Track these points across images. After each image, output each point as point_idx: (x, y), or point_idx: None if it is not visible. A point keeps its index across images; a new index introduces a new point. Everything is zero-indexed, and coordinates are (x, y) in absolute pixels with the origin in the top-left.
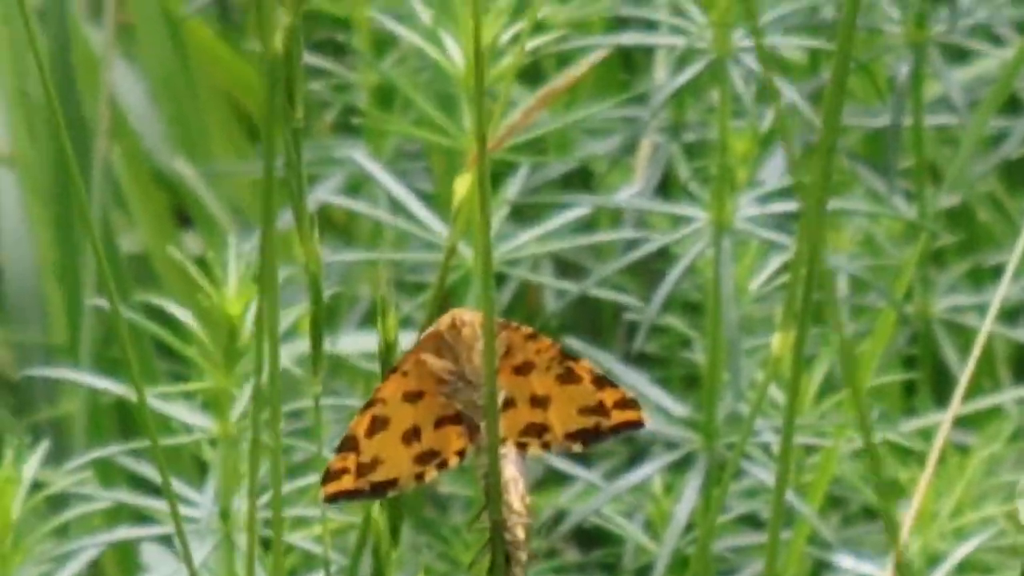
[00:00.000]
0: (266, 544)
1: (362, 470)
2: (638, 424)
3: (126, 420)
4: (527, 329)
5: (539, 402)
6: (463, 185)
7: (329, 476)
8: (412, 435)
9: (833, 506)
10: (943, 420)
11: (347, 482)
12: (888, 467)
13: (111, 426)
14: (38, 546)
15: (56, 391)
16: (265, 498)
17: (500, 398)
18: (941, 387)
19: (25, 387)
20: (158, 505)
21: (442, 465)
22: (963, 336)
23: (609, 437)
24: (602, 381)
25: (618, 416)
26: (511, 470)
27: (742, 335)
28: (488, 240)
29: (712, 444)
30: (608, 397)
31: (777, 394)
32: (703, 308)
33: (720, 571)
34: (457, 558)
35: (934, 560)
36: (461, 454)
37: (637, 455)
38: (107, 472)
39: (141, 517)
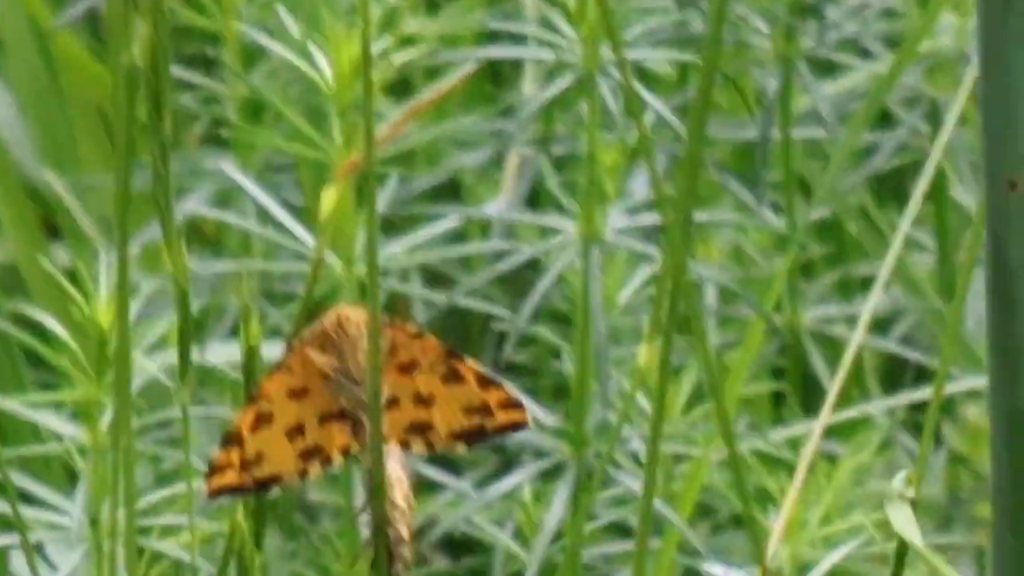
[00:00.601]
0: (138, 552)
1: (246, 465)
2: (522, 424)
3: None
4: (412, 328)
5: (423, 401)
6: (331, 197)
7: (213, 470)
8: (296, 431)
9: (703, 515)
10: (812, 429)
11: (231, 477)
12: (757, 476)
13: None
14: None
15: None
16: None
17: (384, 396)
18: (809, 398)
19: None
20: (28, 513)
21: (326, 461)
22: (832, 347)
23: (493, 437)
24: (486, 381)
25: (502, 416)
26: (395, 468)
27: (610, 345)
28: (375, 236)
29: (581, 453)
30: (492, 397)
31: (645, 403)
32: (572, 319)
33: None
34: (327, 565)
35: (804, 568)
36: (345, 451)
37: (507, 464)
38: None
39: (10, 526)
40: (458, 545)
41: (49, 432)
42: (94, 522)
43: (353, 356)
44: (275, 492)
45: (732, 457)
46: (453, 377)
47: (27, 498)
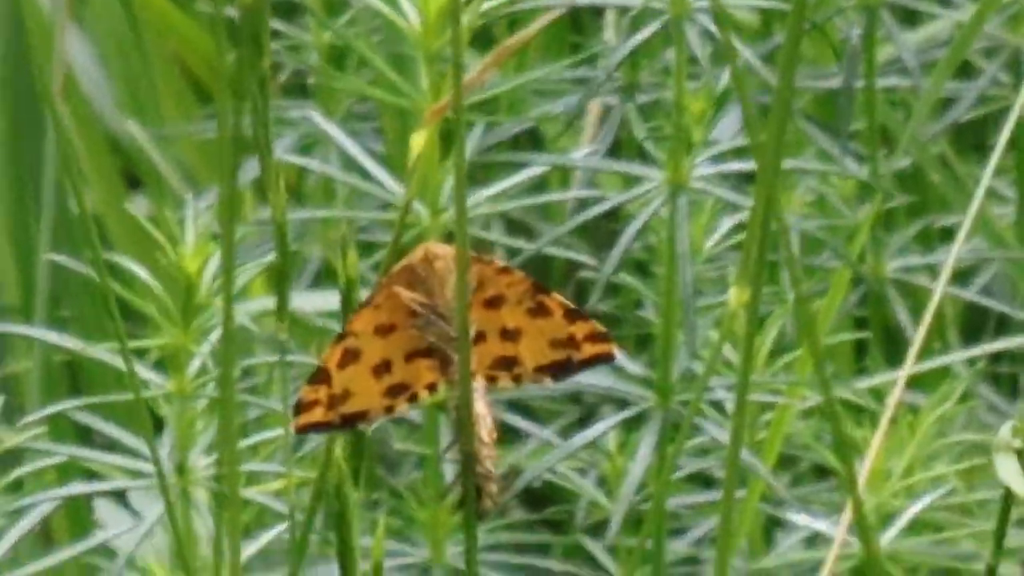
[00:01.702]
0: (220, 499)
1: (333, 402)
2: (609, 357)
3: (78, 379)
4: (499, 262)
5: (510, 335)
6: (419, 142)
7: (300, 408)
8: (383, 368)
9: (786, 464)
10: (894, 379)
11: (318, 414)
12: (840, 426)
13: (64, 384)
14: None
15: (7, 350)
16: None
17: (471, 331)
18: (891, 347)
19: None
20: (112, 461)
21: (413, 398)
22: (913, 297)
23: (580, 370)
24: (573, 314)
25: (589, 349)
26: (480, 406)
27: (696, 294)
28: (463, 174)
29: (667, 402)
30: (579, 330)
31: (731, 353)
32: (654, 268)
33: (673, 528)
34: (411, 514)
35: (886, 518)
36: (432, 387)
37: (590, 413)
38: (60, 430)
39: (94, 474)
40: (541, 495)
41: (134, 381)
42: (180, 470)
43: (440, 292)
44: (361, 429)
45: (827, 404)
46: (540, 311)
47: (112, 446)
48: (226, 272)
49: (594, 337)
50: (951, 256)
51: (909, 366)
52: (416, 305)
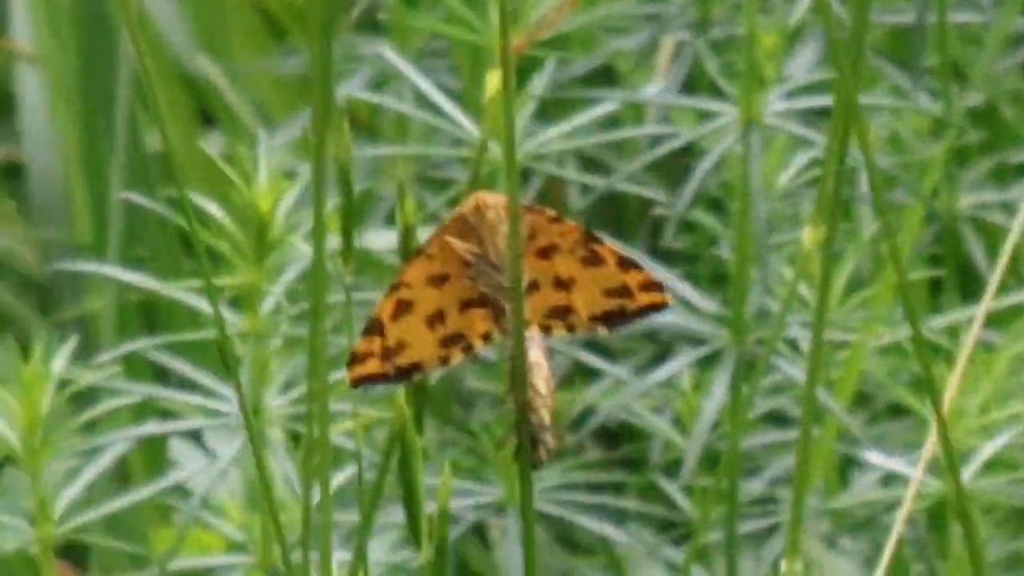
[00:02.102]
0: (296, 439)
1: (387, 354)
2: (663, 306)
3: (152, 318)
4: (551, 212)
5: (563, 284)
6: (493, 81)
7: (354, 360)
8: (437, 318)
9: (860, 403)
10: (969, 317)
11: (372, 366)
12: (915, 365)
13: (138, 324)
14: (66, 441)
15: (82, 289)
16: (295, 393)
17: (524, 281)
18: (967, 284)
19: (51, 286)
20: (187, 399)
21: (467, 348)
22: (988, 234)
23: (634, 319)
24: (627, 263)
25: (643, 298)
26: (535, 354)
27: (770, 231)
28: (513, 125)
29: (741, 340)
30: (632, 279)
31: (806, 290)
32: (728, 205)
33: (747, 468)
34: (485, 453)
35: (962, 457)
36: (486, 337)
37: (664, 351)
38: (135, 369)
39: (169, 414)
40: (613, 436)
41: (207, 318)
42: (255, 410)
43: (492, 241)
44: (417, 379)
45: (915, 338)
46: (593, 260)
47: (187, 385)
48: (317, 209)
49: (647, 286)
50: None
51: (985, 304)
52: (469, 255)
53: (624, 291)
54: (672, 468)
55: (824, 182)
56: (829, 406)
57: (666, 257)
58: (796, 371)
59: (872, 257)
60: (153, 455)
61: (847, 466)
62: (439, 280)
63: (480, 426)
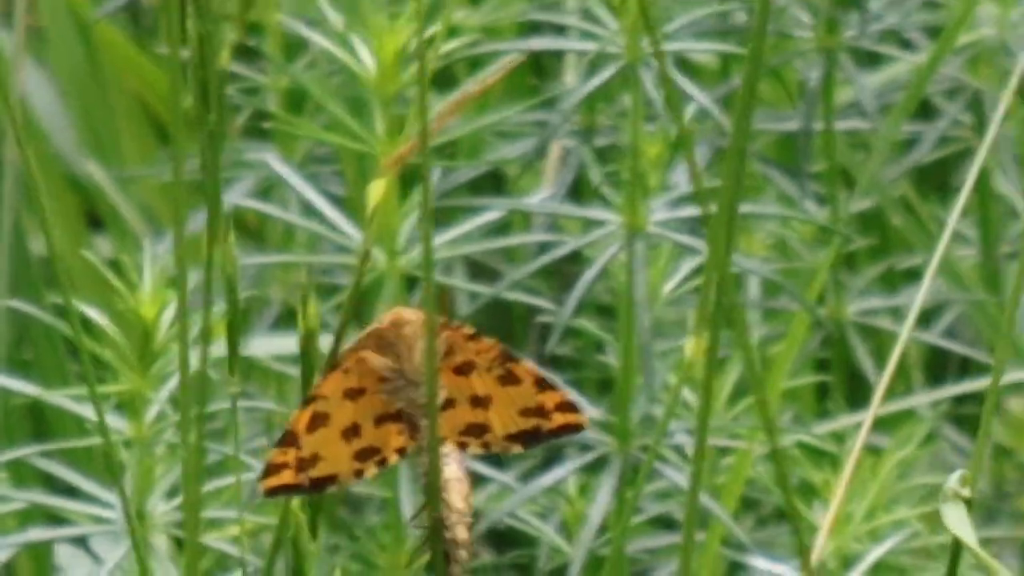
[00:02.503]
0: (180, 545)
1: (302, 465)
2: (579, 427)
3: (39, 423)
4: (468, 329)
5: (480, 402)
6: (378, 189)
7: (269, 470)
8: (352, 432)
9: (747, 508)
10: (856, 422)
11: (287, 477)
12: (801, 469)
13: (23, 429)
14: None
15: None
16: (178, 500)
17: (441, 397)
18: (854, 390)
19: None
20: (72, 506)
21: (382, 462)
22: (875, 339)
23: (550, 439)
24: (543, 383)
25: (559, 419)
26: (453, 469)
27: (654, 338)
28: (430, 238)
29: (626, 446)
30: (549, 399)
31: (690, 396)
32: (615, 311)
33: (634, 572)
34: (371, 559)
35: (848, 562)
36: (401, 452)
37: (551, 457)
38: (20, 474)
39: (55, 519)
40: (503, 538)
41: (92, 425)
42: (139, 515)
43: (409, 357)
44: (330, 492)
45: (776, 451)
46: (510, 378)
47: (71, 491)
48: (181, 320)
49: (564, 407)
50: (917, 299)
51: (874, 408)
52: (385, 371)
53: (540, 411)
54: (558, 573)
55: (705, 293)
56: (714, 510)
57: (552, 363)
58: (681, 477)
59: (761, 363)
60: (39, 561)
61: (734, 571)
62: (355, 394)
63: (366, 531)
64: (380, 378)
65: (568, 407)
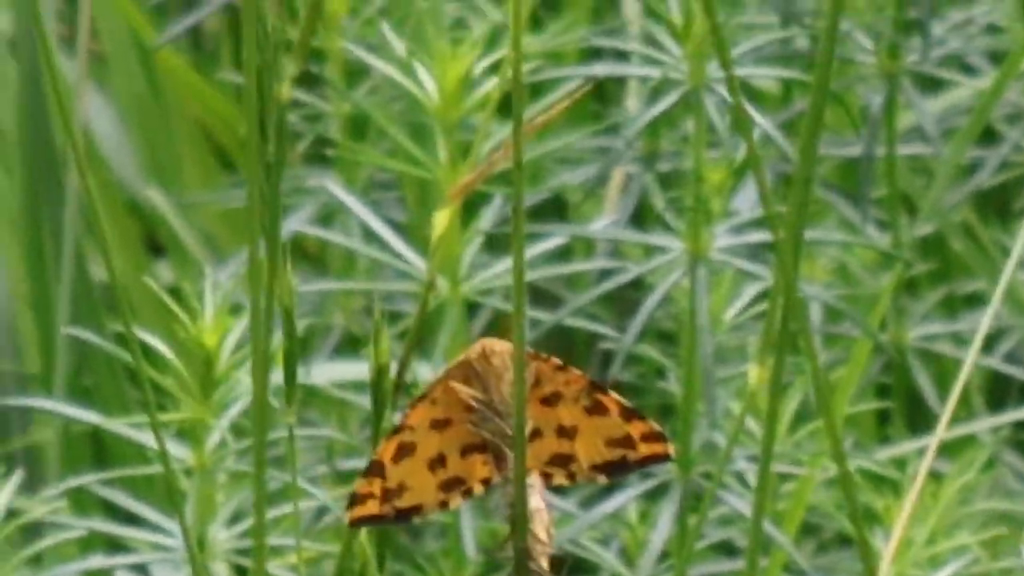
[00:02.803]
0: (241, 573)
1: (387, 495)
2: (665, 457)
3: (99, 450)
4: (556, 360)
5: (566, 433)
6: (443, 218)
7: (355, 500)
8: (438, 462)
9: (807, 534)
10: (917, 448)
11: (372, 507)
12: (863, 495)
13: (84, 456)
14: (14, 574)
15: (29, 421)
16: (239, 527)
17: (528, 428)
18: (914, 416)
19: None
20: (132, 534)
21: (467, 493)
22: (936, 365)
23: (635, 469)
24: (630, 413)
25: (645, 449)
26: (536, 500)
27: (716, 365)
28: (522, 273)
29: (687, 473)
30: (635, 430)
31: (751, 423)
32: (676, 337)
33: None
34: None
35: None
36: (486, 482)
37: (612, 484)
38: (81, 502)
39: (115, 546)
40: (563, 566)
41: (153, 453)
42: (200, 543)
43: (497, 388)
44: (416, 522)
45: (843, 476)
46: (596, 409)
47: (131, 519)
48: (254, 344)
49: (650, 437)
50: (983, 325)
51: (939, 436)
52: (473, 401)
53: (627, 441)
54: None
55: (771, 316)
56: (775, 537)
57: (614, 390)
58: (742, 504)
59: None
60: None
61: None
62: (441, 424)
63: (427, 558)
64: (467, 408)
65: (655, 437)
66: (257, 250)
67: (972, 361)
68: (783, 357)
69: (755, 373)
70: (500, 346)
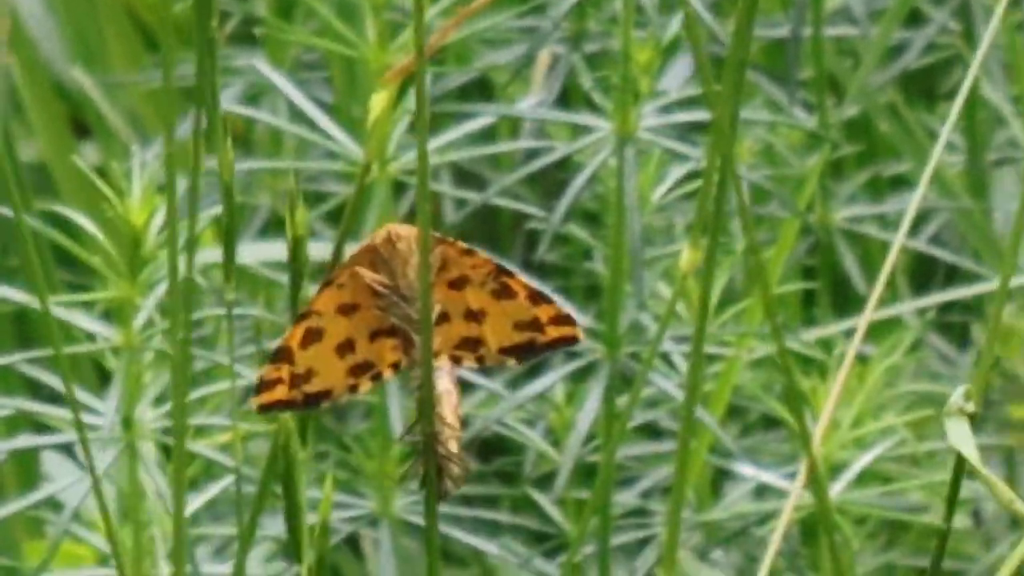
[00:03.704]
0: (167, 452)
1: (296, 381)
2: (573, 339)
3: (25, 331)
4: (462, 244)
5: (474, 316)
6: (380, 101)
7: (262, 386)
8: (346, 347)
9: (732, 416)
10: (842, 330)
11: (280, 392)
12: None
13: (8, 338)
14: None
15: None
16: (166, 408)
17: (435, 312)
18: (839, 297)
19: None
20: (60, 413)
21: (376, 377)
22: (861, 246)
23: (544, 352)
24: (537, 297)
25: (553, 331)
26: (445, 383)
27: (644, 244)
28: (425, 153)
29: (615, 353)
30: (543, 313)
31: (678, 304)
32: (600, 218)
33: (619, 480)
34: (359, 465)
35: (836, 469)
36: (395, 366)
37: (538, 364)
38: (6, 382)
39: (41, 427)
40: (488, 446)
41: (80, 333)
42: (127, 423)
43: (404, 273)
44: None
45: (780, 354)
46: (504, 293)
47: (59, 399)
48: (171, 226)
49: (558, 320)
50: (910, 208)
51: (867, 318)
52: (379, 286)
53: (535, 324)
54: (545, 481)
55: (703, 201)
56: (704, 420)
57: (539, 270)
58: (669, 385)
59: (745, 270)
60: (26, 469)
61: (720, 478)
62: (349, 309)
63: (352, 438)
64: (374, 294)
65: (563, 320)
66: (197, 122)
67: (900, 243)
68: (717, 238)
69: (687, 255)
70: (405, 231)
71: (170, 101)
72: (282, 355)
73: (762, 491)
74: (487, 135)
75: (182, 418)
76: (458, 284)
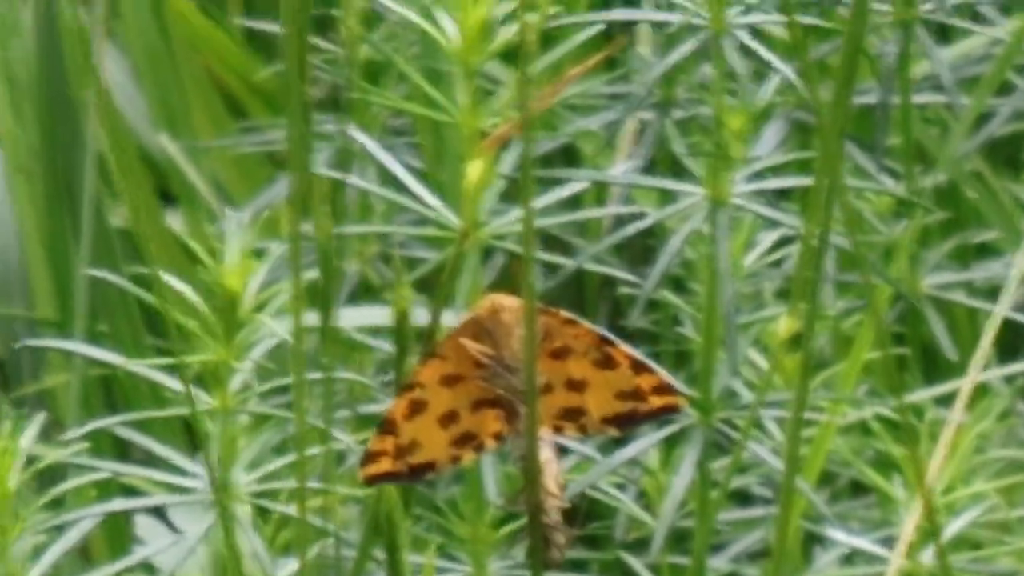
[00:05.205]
0: (262, 515)
1: (400, 452)
2: (675, 409)
3: (112, 397)
4: (565, 314)
5: (576, 386)
6: (477, 168)
7: (367, 458)
8: (450, 418)
9: (823, 481)
10: (933, 396)
11: (385, 464)
12: (879, 443)
13: (98, 403)
14: (34, 518)
15: (42, 367)
16: (260, 471)
17: (538, 383)
18: (928, 364)
19: (10, 363)
20: (154, 475)
21: (479, 448)
22: (949, 313)
23: (646, 421)
24: (640, 366)
25: (656, 401)
26: (547, 453)
27: (736, 311)
28: (531, 222)
29: (708, 419)
30: (645, 382)
31: (765, 366)
32: (686, 283)
33: (713, 544)
34: (452, 530)
35: (927, 535)
36: (498, 437)
37: (629, 433)
38: (100, 446)
39: (130, 493)
40: (577, 510)
41: (172, 395)
42: (222, 486)
43: (507, 343)
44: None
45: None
46: (606, 362)
47: (152, 462)
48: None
49: (660, 389)
50: (1011, 278)
51: (971, 381)
52: (483, 357)
53: (637, 394)
54: (635, 546)
55: (801, 268)
56: (799, 486)
57: (628, 336)
58: (763, 451)
59: (834, 336)
60: (117, 533)
61: (810, 543)
62: (452, 380)
63: (446, 502)
64: (478, 364)
65: (665, 389)
66: (298, 185)
67: (1002, 312)
68: (815, 306)
69: (786, 322)
70: (509, 301)
71: (291, 158)
72: (387, 427)
73: (851, 557)
74: (575, 202)
75: (302, 481)
76: (561, 354)
